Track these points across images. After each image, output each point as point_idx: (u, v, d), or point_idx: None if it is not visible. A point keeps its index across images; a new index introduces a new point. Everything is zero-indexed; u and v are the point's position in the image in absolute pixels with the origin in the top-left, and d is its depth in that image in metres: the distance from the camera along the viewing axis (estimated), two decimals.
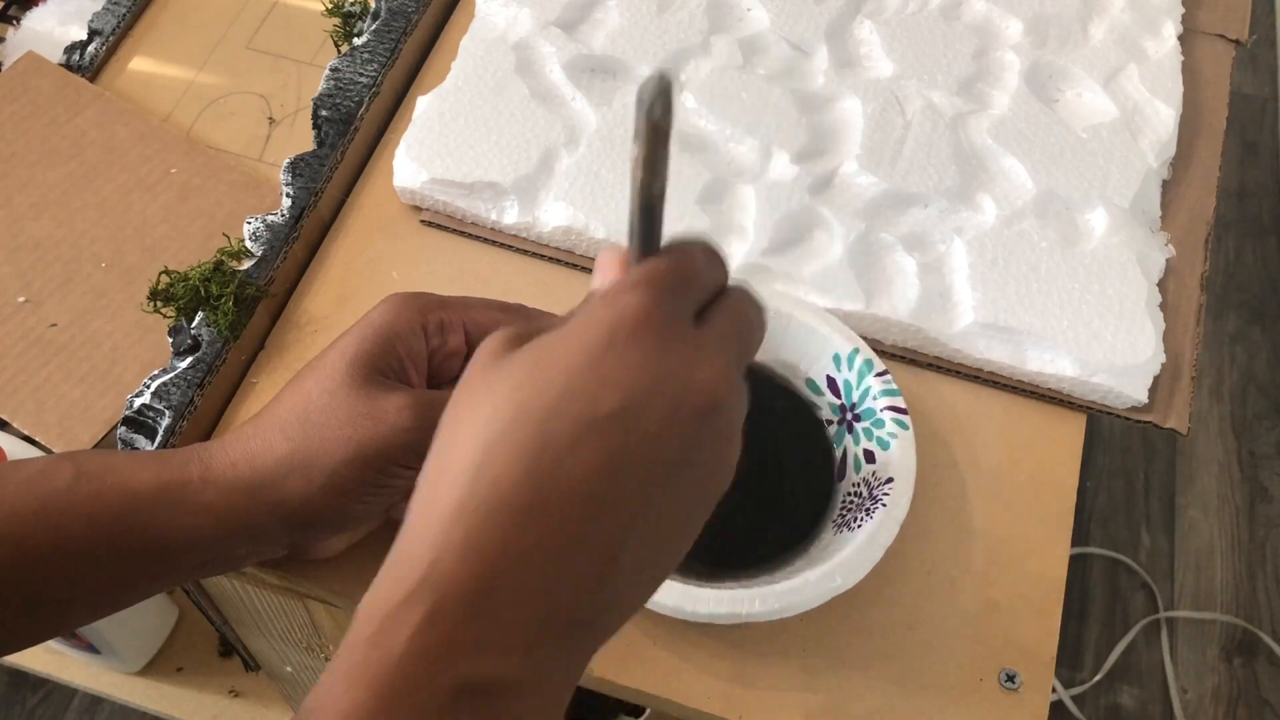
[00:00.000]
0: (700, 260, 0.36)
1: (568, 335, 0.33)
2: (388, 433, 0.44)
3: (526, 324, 0.36)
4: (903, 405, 0.51)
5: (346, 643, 0.31)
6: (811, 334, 0.53)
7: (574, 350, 0.33)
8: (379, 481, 0.45)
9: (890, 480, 0.49)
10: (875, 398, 0.51)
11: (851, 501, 0.51)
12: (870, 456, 0.51)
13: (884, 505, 0.48)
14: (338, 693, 0.30)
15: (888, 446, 0.50)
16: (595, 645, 0.33)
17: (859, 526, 0.48)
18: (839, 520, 0.50)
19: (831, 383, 0.53)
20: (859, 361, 0.52)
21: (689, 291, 0.35)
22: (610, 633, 0.33)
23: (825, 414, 0.54)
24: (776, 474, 0.53)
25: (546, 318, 0.36)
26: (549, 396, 0.32)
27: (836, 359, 0.53)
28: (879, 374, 0.52)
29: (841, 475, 0.53)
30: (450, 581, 0.30)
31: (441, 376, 0.49)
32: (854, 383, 0.52)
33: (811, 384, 0.55)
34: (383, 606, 0.31)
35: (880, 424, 0.51)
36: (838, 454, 0.53)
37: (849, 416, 0.53)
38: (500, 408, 0.32)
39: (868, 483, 0.50)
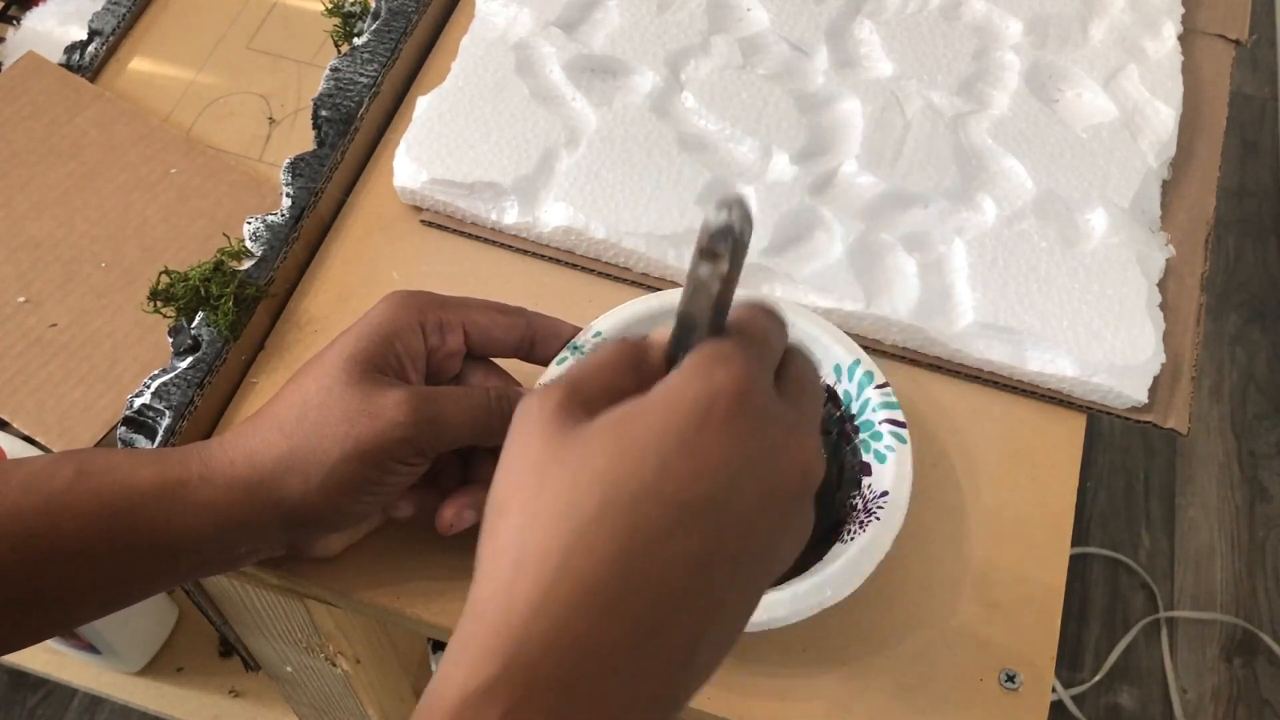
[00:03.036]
0: (772, 326, 0.35)
1: (657, 410, 0.32)
2: (385, 429, 0.44)
3: (575, 381, 0.34)
4: (901, 419, 0.51)
5: (420, 710, 0.30)
6: (813, 343, 0.53)
7: (665, 429, 0.31)
8: (377, 479, 0.45)
9: (885, 494, 0.49)
10: (874, 410, 0.51)
11: (846, 514, 0.51)
12: (867, 469, 0.51)
13: (878, 519, 0.48)
14: None
15: (884, 460, 0.50)
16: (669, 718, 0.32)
17: (852, 539, 0.48)
18: (834, 532, 0.50)
19: (831, 393, 0.53)
20: (859, 373, 0.52)
21: (770, 362, 0.34)
22: (681, 707, 0.32)
23: (823, 425, 0.54)
24: None
25: (588, 366, 0.34)
26: (640, 481, 0.30)
27: (837, 369, 0.53)
28: (879, 386, 0.51)
29: (838, 486, 0.52)
30: (534, 676, 0.29)
31: (440, 375, 0.49)
32: (854, 394, 0.52)
33: None
34: (457, 695, 0.29)
35: (878, 436, 0.51)
36: (834, 465, 0.53)
37: (847, 428, 0.53)
38: (585, 490, 0.31)
39: (863, 495, 0.50)
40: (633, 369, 0.34)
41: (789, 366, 0.35)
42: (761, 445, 0.31)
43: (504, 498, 0.33)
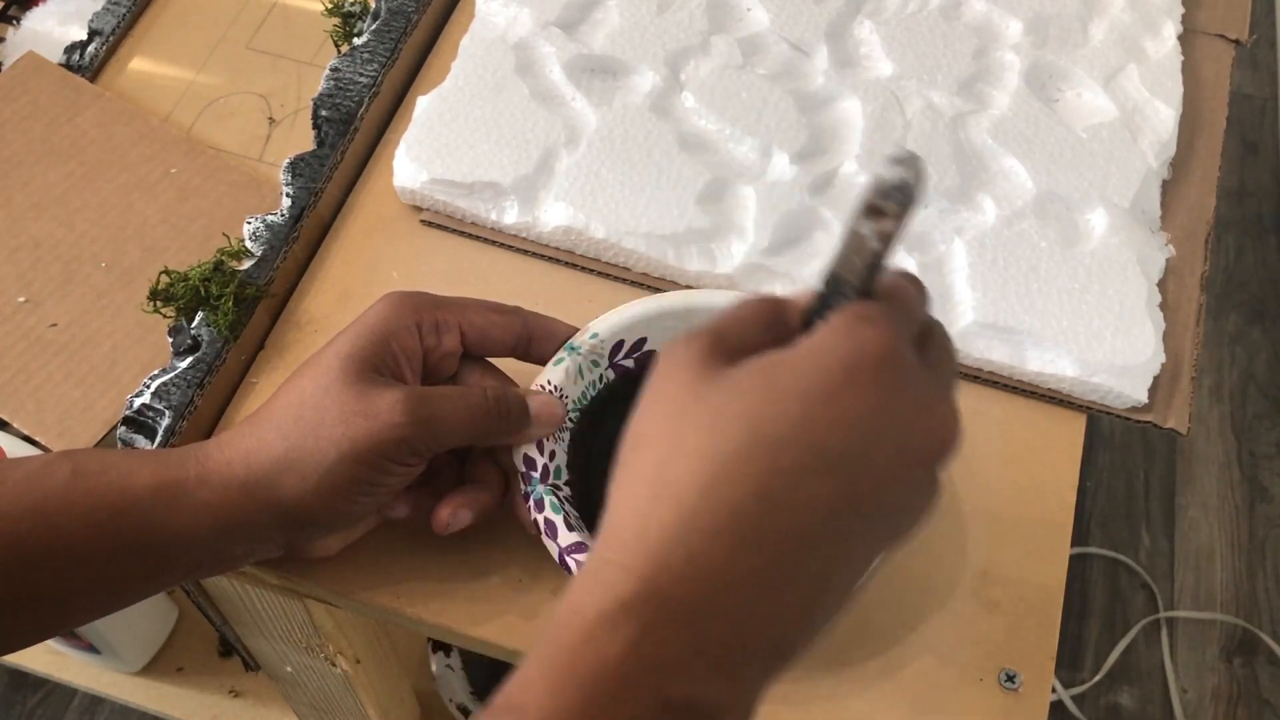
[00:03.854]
0: (917, 295, 0.36)
1: (804, 361, 0.32)
2: (381, 429, 0.44)
3: (719, 329, 0.35)
4: None
5: (551, 639, 0.31)
6: None
7: (811, 379, 0.32)
8: (373, 479, 0.45)
9: None
10: None
11: None
12: None
13: None
14: (542, 690, 0.30)
15: None
16: (785, 669, 0.33)
17: None
18: None
19: None
20: None
21: (913, 327, 0.35)
22: (797, 658, 0.33)
23: None
24: None
25: (731, 319, 0.35)
26: (783, 426, 0.31)
27: None
28: None
29: None
30: (668, 599, 0.30)
31: (437, 376, 0.49)
32: None
33: None
34: (594, 610, 0.30)
35: None
36: None
37: None
38: (730, 430, 0.32)
39: None
40: (774, 325, 0.35)
41: (931, 336, 0.36)
42: (902, 405, 0.32)
43: (643, 433, 0.34)
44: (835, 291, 0.35)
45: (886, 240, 0.33)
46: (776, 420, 0.31)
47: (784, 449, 0.31)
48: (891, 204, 0.32)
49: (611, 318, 0.51)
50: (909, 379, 0.33)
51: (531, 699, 0.30)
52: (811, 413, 0.31)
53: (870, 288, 0.35)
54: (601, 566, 0.32)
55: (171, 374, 0.54)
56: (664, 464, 0.32)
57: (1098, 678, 1.26)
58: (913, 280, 0.36)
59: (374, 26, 0.65)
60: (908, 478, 0.33)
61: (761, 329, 0.35)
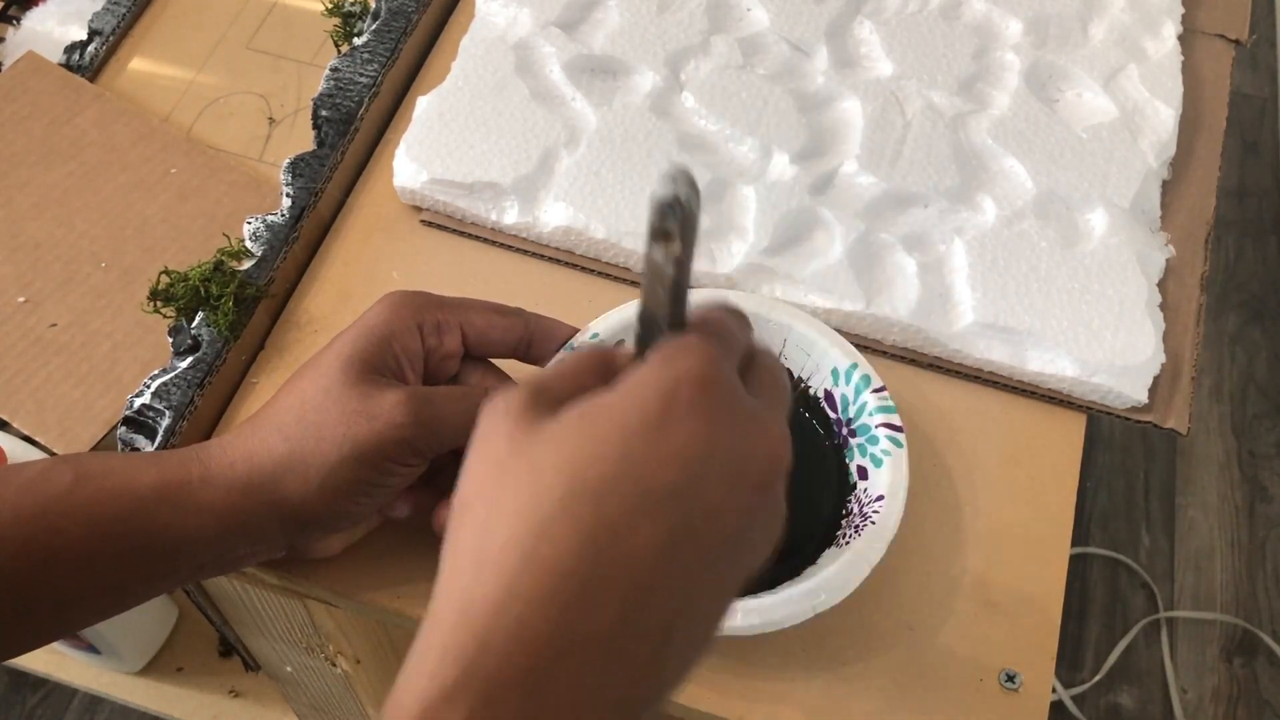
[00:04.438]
0: (732, 323, 0.34)
1: (620, 399, 0.31)
2: (383, 429, 0.44)
3: (541, 382, 0.33)
4: (898, 423, 0.50)
5: (383, 716, 0.29)
6: (810, 346, 0.53)
7: (628, 417, 0.30)
8: (375, 479, 0.45)
9: (880, 498, 0.49)
10: (871, 414, 0.51)
11: (842, 518, 0.51)
12: (863, 473, 0.51)
13: (873, 523, 0.48)
14: None
15: (880, 464, 0.50)
16: None
17: (848, 543, 0.48)
18: (829, 536, 0.50)
19: (829, 397, 0.53)
20: (856, 377, 0.52)
21: (733, 355, 0.34)
22: (651, 709, 0.31)
23: (823, 429, 0.54)
24: None
25: (555, 370, 0.34)
26: (603, 469, 0.30)
27: (835, 373, 0.53)
28: (876, 390, 0.51)
29: (834, 491, 0.52)
30: (500, 673, 0.28)
31: (438, 377, 0.49)
32: (851, 398, 0.52)
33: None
34: (416, 704, 0.28)
35: (875, 440, 0.51)
36: (831, 469, 0.53)
37: (844, 432, 0.52)
38: (548, 484, 0.30)
39: (859, 499, 0.50)
40: (599, 372, 0.34)
41: (754, 362, 0.35)
42: (727, 431, 0.31)
43: (466, 499, 0.32)
44: (649, 329, 0.34)
45: (679, 265, 0.32)
46: (596, 464, 0.30)
47: (606, 495, 0.29)
48: (671, 223, 0.31)
49: (612, 317, 0.51)
50: (732, 403, 0.31)
51: None
52: (632, 450, 0.30)
53: (682, 320, 0.33)
54: (426, 652, 0.29)
55: (171, 374, 0.54)
56: (485, 531, 0.30)
57: (1098, 678, 1.26)
58: (731, 311, 0.35)
59: (374, 26, 0.65)
60: (743, 504, 0.31)
61: (587, 376, 0.34)
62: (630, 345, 0.35)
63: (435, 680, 0.28)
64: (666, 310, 0.33)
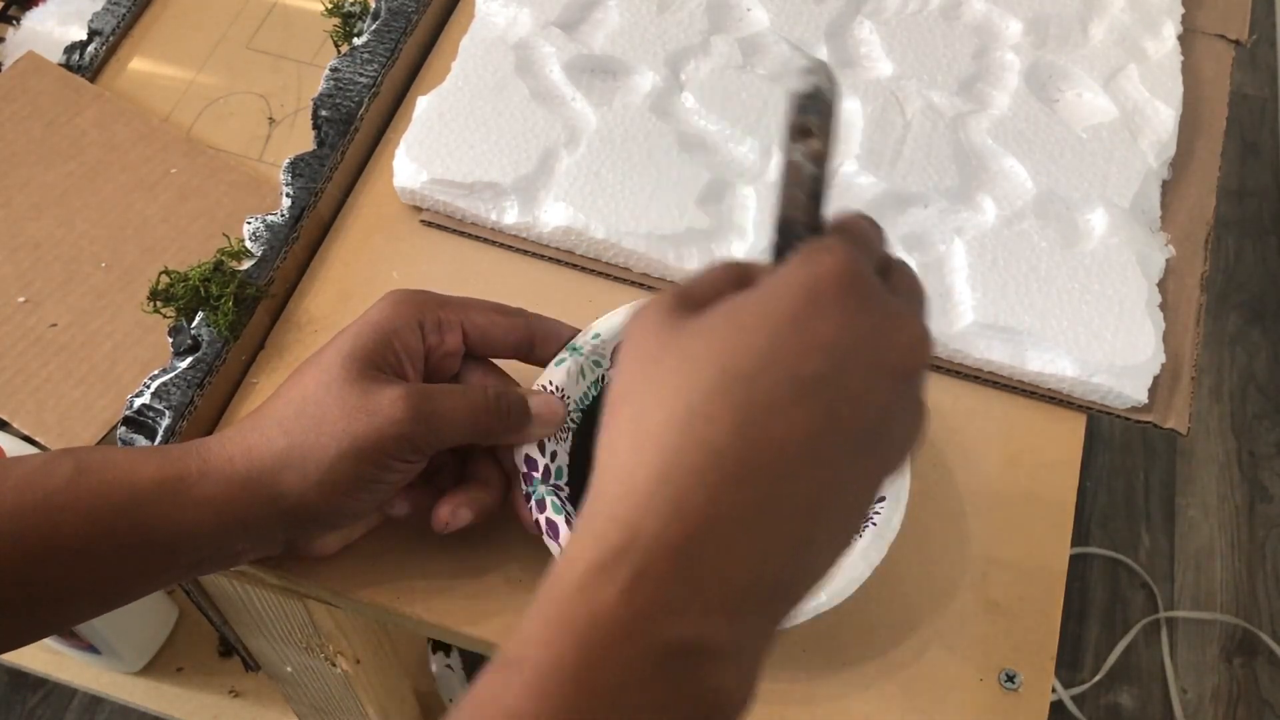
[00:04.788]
0: (871, 229, 0.36)
1: (766, 294, 0.33)
2: (382, 425, 0.44)
3: (683, 287, 0.35)
4: None
5: (547, 595, 0.31)
6: None
7: (775, 310, 0.32)
8: (374, 476, 0.45)
9: (882, 499, 0.48)
10: None
11: None
12: None
13: (874, 524, 0.48)
14: (538, 643, 0.30)
15: None
16: (787, 613, 0.33)
17: None
18: None
19: None
20: None
21: (872, 256, 0.35)
22: (799, 601, 0.33)
23: None
24: None
25: (696, 278, 0.36)
26: (753, 358, 0.31)
27: None
28: None
29: None
30: (658, 543, 0.30)
31: (439, 375, 0.49)
32: None
33: None
34: (586, 563, 0.31)
35: None
36: None
37: None
38: (702, 370, 0.32)
39: None
40: (737, 279, 0.35)
41: (891, 266, 0.36)
42: (869, 322, 0.32)
43: (619, 390, 0.34)
44: (788, 233, 0.34)
45: (820, 161, 0.32)
46: (746, 353, 0.32)
47: (756, 381, 0.31)
48: (812, 117, 0.31)
49: (614, 318, 0.51)
50: (873, 296, 0.33)
51: (529, 653, 0.30)
52: (780, 340, 0.32)
53: (819, 223, 0.34)
54: (591, 520, 0.32)
55: (171, 374, 0.54)
56: (641, 414, 0.32)
57: (1098, 678, 1.26)
58: (867, 218, 0.36)
59: (374, 26, 0.65)
60: (885, 393, 0.33)
61: (724, 284, 0.35)
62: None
63: (604, 542, 0.31)
64: (805, 213, 0.33)
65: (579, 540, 0.32)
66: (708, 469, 0.31)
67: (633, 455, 0.32)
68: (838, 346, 0.32)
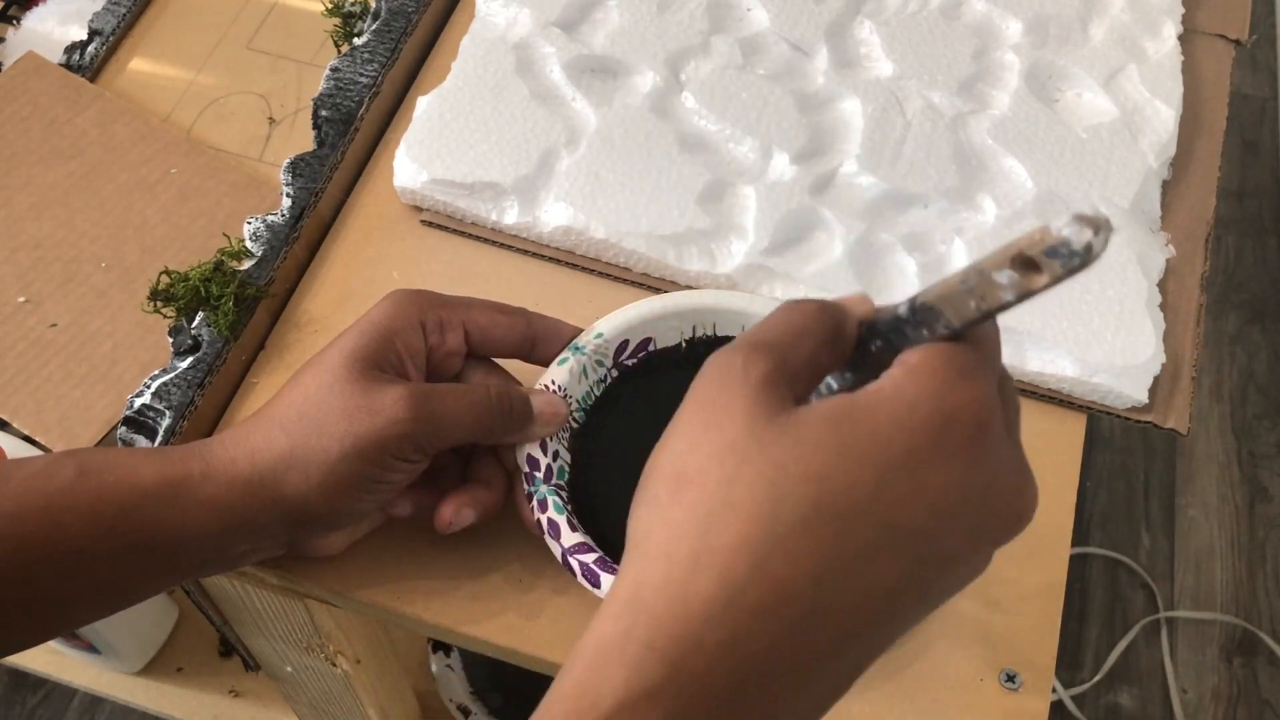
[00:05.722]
0: (998, 342, 0.32)
1: (885, 418, 0.29)
2: (384, 424, 0.44)
3: (777, 350, 0.31)
4: None
5: (572, 708, 0.28)
6: None
7: (892, 443, 0.28)
8: (376, 475, 0.45)
9: None
10: None
11: None
12: None
13: None
14: None
15: None
16: None
17: None
18: None
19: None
20: None
21: (997, 369, 0.31)
22: None
23: None
24: None
25: (788, 332, 0.31)
26: (853, 499, 0.28)
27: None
28: None
29: None
30: (700, 687, 0.27)
31: (441, 375, 0.49)
32: None
33: None
34: (612, 697, 0.27)
35: None
36: None
37: None
38: (793, 494, 0.28)
39: None
40: (833, 344, 0.32)
41: (1004, 389, 0.32)
42: (984, 480, 0.29)
43: (686, 471, 0.30)
44: (920, 322, 0.30)
45: (1025, 298, 0.28)
46: (847, 491, 0.28)
47: (853, 522, 0.28)
48: (1057, 264, 0.27)
49: (616, 318, 0.51)
50: (996, 450, 0.29)
51: None
52: (889, 483, 0.28)
53: (963, 333, 0.30)
54: (625, 643, 0.28)
55: (172, 374, 0.54)
56: (710, 522, 0.28)
57: (1098, 678, 1.26)
58: (995, 325, 0.32)
59: (374, 26, 0.65)
60: (975, 558, 0.30)
61: (822, 346, 0.31)
62: (843, 300, 0.32)
63: (638, 676, 0.28)
64: (965, 323, 0.30)
65: (606, 660, 0.28)
66: (773, 613, 0.28)
67: (690, 572, 0.28)
68: (945, 502, 0.28)
